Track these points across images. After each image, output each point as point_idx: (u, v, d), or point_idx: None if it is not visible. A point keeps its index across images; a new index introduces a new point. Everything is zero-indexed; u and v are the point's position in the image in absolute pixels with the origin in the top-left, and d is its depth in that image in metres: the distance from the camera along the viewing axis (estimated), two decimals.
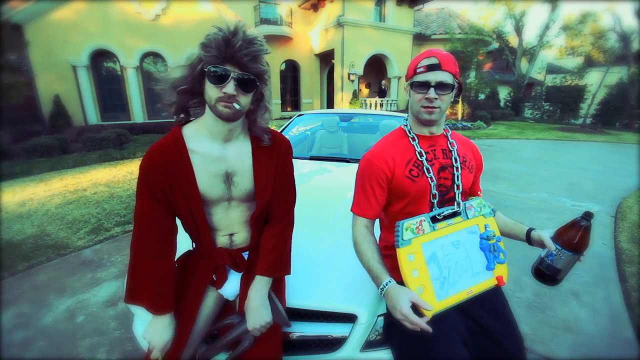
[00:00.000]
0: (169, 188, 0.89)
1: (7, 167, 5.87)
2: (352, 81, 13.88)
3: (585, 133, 12.47)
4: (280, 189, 1.02)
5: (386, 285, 0.89)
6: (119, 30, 9.99)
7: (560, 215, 3.64)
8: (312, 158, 2.43)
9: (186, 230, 1.02)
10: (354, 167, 2.12)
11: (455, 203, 1.00)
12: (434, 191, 0.99)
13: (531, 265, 0.99)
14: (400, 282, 0.88)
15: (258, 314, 0.93)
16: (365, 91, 17.10)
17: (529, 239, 1.02)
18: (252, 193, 0.98)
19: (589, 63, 17.45)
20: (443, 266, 0.90)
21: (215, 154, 0.91)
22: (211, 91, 0.82)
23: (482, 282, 0.94)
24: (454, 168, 1.03)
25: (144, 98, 11.01)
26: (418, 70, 0.98)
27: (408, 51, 14.97)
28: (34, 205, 4.00)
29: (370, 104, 14.18)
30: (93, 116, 10.18)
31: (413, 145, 1.04)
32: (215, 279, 1.01)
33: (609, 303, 2.12)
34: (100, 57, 10.22)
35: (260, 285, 0.97)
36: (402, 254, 0.86)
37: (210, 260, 1.01)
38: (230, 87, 0.81)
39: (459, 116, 14.00)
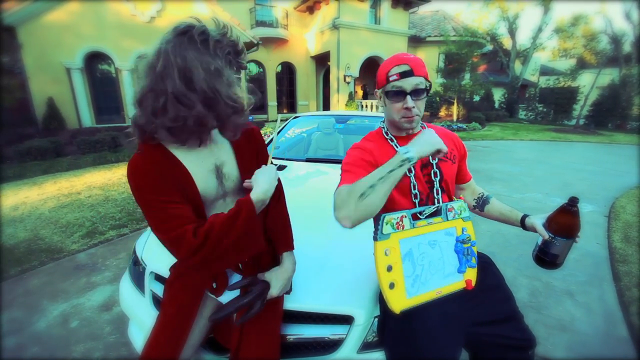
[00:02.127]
0: (179, 185, 0.84)
1: (0, 171, 5.80)
2: (348, 83, 13.92)
3: (579, 134, 12.62)
4: None
5: (405, 152, 0.85)
6: (114, 33, 9.94)
7: None
8: (308, 160, 2.43)
9: None
10: None
11: (436, 200, 1.02)
12: (415, 190, 1.00)
13: (531, 254, 1.04)
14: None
15: (287, 284, 1.00)
16: (360, 93, 17.16)
17: (523, 225, 1.07)
18: (240, 181, 0.97)
19: (581, 65, 17.71)
20: (417, 264, 0.91)
21: (202, 151, 0.89)
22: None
23: (452, 284, 0.95)
24: (433, 166, 1.04)
25: None
26: (391, 79, 0.97)
27: None
28: (27, 209, 3.95)
29: (366, 106, 14.24)
30: (87, 119, 10.10)
31: (392, 145, 1.05)
32: (215, 286, 1.00)
33: (603, 302, 2.14)
34: (94, 60, 10.15)
35: (290, 259, 1.05)
36: (379, 247, 0.87)
37: None
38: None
39: (454, 117, 14.09)
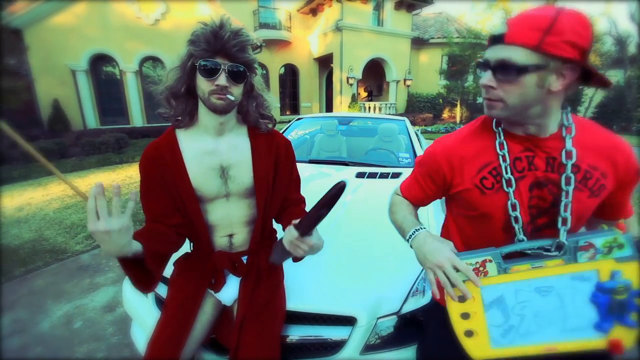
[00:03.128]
0: (166, 183, 0.91)
1: (5, 172, 5.85)
2: (351, 85, 13.93)
3: None
4: (287, 184, 1.03)
5: (416, 231, 0.77)
6: (119, 35, 10.03)
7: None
8: (311, 161, 2.43)
9: (184, 231, 1.01)
10: (353, 170, 2.14)
11: (555, 239, 0.68)
12: (514, 213, 0.71)
13: None
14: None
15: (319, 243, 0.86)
16: (364, 94, 17.16)
17: None
18: (252, 188, 0.96)
19: None
20: (512, 313, 0.70)
21: (209, 147, 0.91)
22: (203, 84, 0.84)
23: (578, 341, 0.69)
24: (558, 188, 0.69)
25: (143, 102, 11.02)
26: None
27: (406, 55, 15.06)
28: (32, 209, 3.99)
29: (369, 108, 14.23)
30: (92, 120, 10.18)
31: (495, 144, 0.74)
32: (213, 282, 1.00)
33: None
34: (99, 62, 10.24)
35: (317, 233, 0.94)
36: (449, 301, 0.70)
37: (209, 263, 1.00)
38: (222, 79, 0.83)
39: (457, 119, 14.05)
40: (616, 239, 0.66)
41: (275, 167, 0.99)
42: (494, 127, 0.76)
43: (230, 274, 1.02)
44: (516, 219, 0.71)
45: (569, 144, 0.68)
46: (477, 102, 16.08)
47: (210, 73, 0.83)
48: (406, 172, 2.08)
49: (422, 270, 1.18)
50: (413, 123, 12.93)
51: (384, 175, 2.03)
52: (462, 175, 0.77)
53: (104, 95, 10.49)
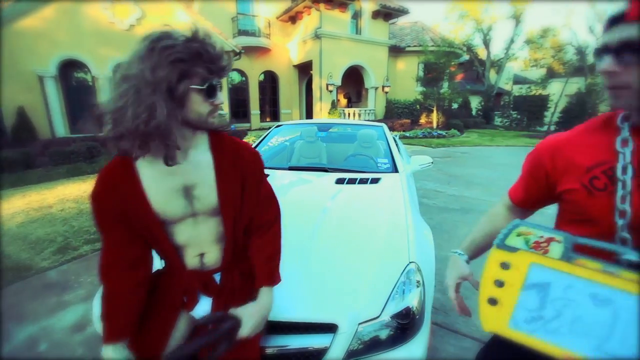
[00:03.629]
0: (124, 212, 0.82)
1: None
2: (331, 92, 14.08)
3: None
4: (255, 202, 0.96)
5: (454, 253, 0.86)
6: (91, 40, 9.68)
7: (530, 218, 3.79)
8: (291, 168, 2.42)
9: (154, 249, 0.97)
10: (333, 177, 2.14)
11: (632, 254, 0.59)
12: (620, 220, 0.62)
13: None
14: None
15: (261, 323, 0.90)
16: (343, 101, 17.38)
17: None
18: (218, 206, 0.89)
19: (551, 74, 18.78)
20: (550, 305, 0.62)
21: (170, 168, 0.79)
22: (201, 107, 0.76)
23: None
24: None
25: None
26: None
27: (384, 62, 15.42)
28: None
29: (349, 114, 14.41)
30: (61, 128, 9.72)
31: (618, 142, 0.64)
32: (185, 300, 0.96)
33: None
34: (69, 68, 9.83)
35: (269, 295, 0.94)
36: (496, 255, 0.67)
37: (180, 282, 0.96)
38: (220, 96, 0.79)
39: (434, 125, 14.47)
40: None
41: (242, 183, 0.91)
42: (619, 122, 0.65)
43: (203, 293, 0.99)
44: (622, 227, 0.62)
45: None
46: (452, 107, 16.67)
47: (212, 93, 0.76)
48: (385, 178, 2.11)
49: (401, 274, 1.19)
50: (392, 129, 13.20)
51: (363, 181, 2.04)
52: (568, 173, 0.69)
53: (74, 103, 10.05)
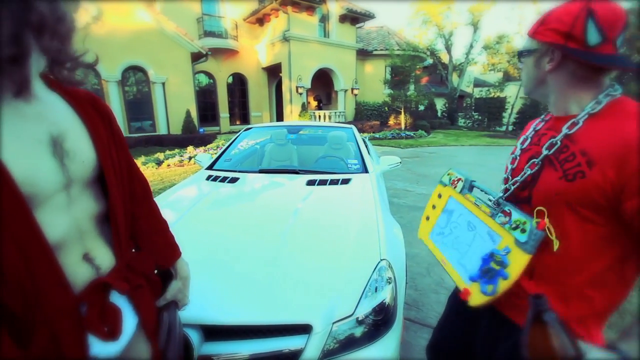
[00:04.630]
0: None
1: None
2: (301, 94, 14.11)
3: (508, 139, 14.13)
4: (128, 161, 0.74)
5: None
6: None
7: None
8: (261, 171, 2.39)
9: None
10: (304, 179, 2.15)
11: (499, 197, 0.80)
12: (506, 175, 0.84)
13: None
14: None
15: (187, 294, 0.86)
16: (314, 104, 17.48)
17: None
18: (97, 166, 0.61)
19: (507, 78, 20.13)
20: (449, 225, 0.92)
21: (30, 109, 0.51)
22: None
23: (457, 276, 0.84)
24: (536, 163, 0.74)
25: None
26: None
27: (352, 65, 15.71)
28: None
29: (320, 116, 14.52)
30: None
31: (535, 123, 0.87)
32: (107, 330, 0.61)
33: None
34: None
35: (185, 265, 0.87)
36: (437, 188, 1.01)
37: (70, 318, 0.55)
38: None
39: (402, 126, 14.94)
40: (525, 222, 0.69)
41: (112, 137, 0.67)
42: None
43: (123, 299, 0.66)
44: (506, 180, 0.84)
45: (567, 125, 0.69)
46: (419, 109, 17.31)
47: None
48: (355, 178, 2.15)
49: (373, 271, 1.22)
50: (362, 130, 13.46)
51: (334, 182, 2.07)
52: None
53: None
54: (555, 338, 0.53)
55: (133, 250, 0.79)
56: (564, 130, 0.69)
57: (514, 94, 17.35)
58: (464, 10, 19.45)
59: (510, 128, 17.10)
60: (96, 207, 0.64)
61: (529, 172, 0.75)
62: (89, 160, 0.60)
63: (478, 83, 23.63)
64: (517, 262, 0.68)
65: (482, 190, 0.88)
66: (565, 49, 0.67)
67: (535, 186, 0.73)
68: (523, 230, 0.68)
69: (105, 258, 0.64)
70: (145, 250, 0.79)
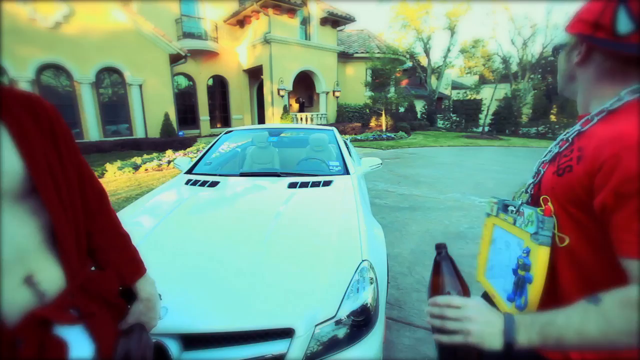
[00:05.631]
0: None
1: None
2: (282, 96, 14.07)
3: (485, 139, 14.66)
4: (80, 171, 0.68)
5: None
6: (6, 39, 8.53)
7: (470, 211, 4.16)
8: (243, 174, 2.37)
9: None
10: (285, 181, 2.14)
11: (521, 203, 0.72)
12: (530, 179, 0.76)
13: None
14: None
15: (158, 313, 0.79)
16: (295, 106, 17.46)
17: None
18: (26, 177, 0.55)
19: (483, 80, 20.94)
20: (493, 255, 0.80)
21: None
22: None
23: (502, 305, 0.71)
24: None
25: None
26: None
27: (333, 68, 15.82)
28: None
29: (302, 118, 14.52)
30: None
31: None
32: None
33: None
34: None
35: (151, 283, 0.80)
36: (486, 221, 0.83)
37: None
38: None
39: (384, 127, 15.17)
40: (531, 213, 0.64)
41: (55, 143, 0.61)
42: None
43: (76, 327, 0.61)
44: (528, 185, 0.75)
45: (581, 122, 0.65)
46: (400, 111, 17.64)
47: None
48: (337, 180, 2.16)
49: (355, 272, 1.23)
50: (344, 132, 13.57)
51: (315, 184, 2.08)
52: None
53: None
54: (445, 276, 0.67)
55: (93, 268, 0.72)
56: (577, 127, 0.65)
57: (489, 96, 18.03)
58: (442, 15, 20.07)
59: (486, 129, 17.71)
60: (38, 222, 0.57)
61: (542, 172, 0.72)
62: (13, 172, 0.52)
63: (455, 85, 24.37)
64: (537, 260, 0.61)
65: (510, 204, 0.77)
66: (591, 39, 0.61)
67: (539, 182, 0.72)
68: (532, 222, 0.64)
69: (54, 280, 0.58)
70: (106, 268, 0.73)
